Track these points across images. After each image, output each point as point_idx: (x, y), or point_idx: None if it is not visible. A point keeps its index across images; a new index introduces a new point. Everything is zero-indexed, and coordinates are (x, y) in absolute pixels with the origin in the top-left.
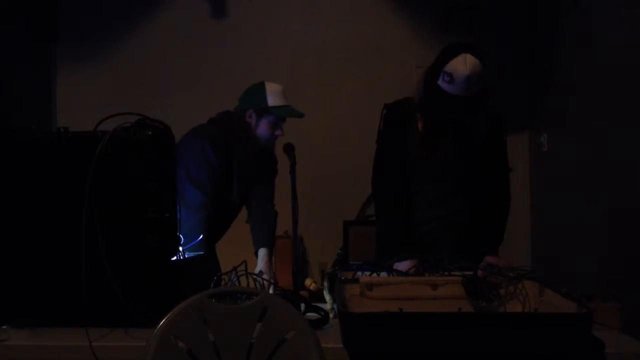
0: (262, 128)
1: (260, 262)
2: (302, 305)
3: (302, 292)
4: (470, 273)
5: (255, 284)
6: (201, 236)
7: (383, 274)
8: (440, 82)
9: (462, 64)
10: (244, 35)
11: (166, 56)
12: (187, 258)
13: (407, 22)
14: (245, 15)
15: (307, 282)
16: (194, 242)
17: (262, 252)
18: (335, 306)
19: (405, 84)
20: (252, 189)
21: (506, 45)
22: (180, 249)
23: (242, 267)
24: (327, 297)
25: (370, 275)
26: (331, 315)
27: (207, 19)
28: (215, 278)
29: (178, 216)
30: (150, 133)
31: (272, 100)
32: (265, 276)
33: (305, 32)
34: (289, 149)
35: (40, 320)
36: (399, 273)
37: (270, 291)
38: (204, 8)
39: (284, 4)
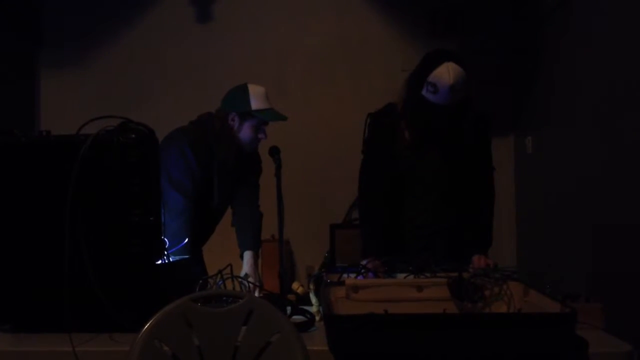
0: (245, 132)
1: (246, 265)
2: (288, 308)
3: (290, 296)
4: (456, 275)
5: (241, 287)
6: (186, 240)
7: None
8: (424, 92)
9: (446, 74)
10: (229, 39)
11: (151, 60)
12: (172, 262)
13: (393, 25)
14: (230, 19)
15: (294, 285)
16: (179, 246)
17: (248, 255)
18: (321, 309)
19: (391, 87)
20: (236, 191)
21: (490, 48)
22: (165, 253)
23: (228, 270)
24: (313, 299)
25: (355, 277)
26: (317, 318)
27: (193, 22)
28: (200, 282)
29: (162, 220)
30: (133, 136)
31: (255, 103)
32: (250, 279)
33: (291, 36)
34: (274, 151)
35: (23, 325)
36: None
37: (256, 294)
38: (190, 12)
39: (270, 7)
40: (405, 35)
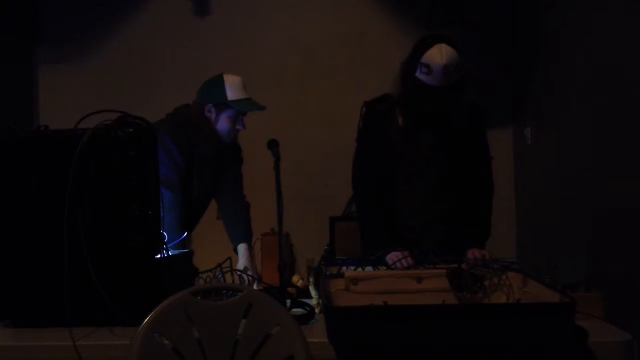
0: (223, 123)
1: (242, 258)
2: (288, 301)
3: (290, 289)
4: (455, 266)
5: (240, 281)
6: (185, 234)
7: (369, 269)
8: (418, 74)
9: (439, 54)
10: (227, 33)
11: (149, 54)
12: (172, 256)
13: (391, 18)
14: (228, 13)
15: (295, 279)
16: (177, 242)
17: (242, 247)
18: (321, 301)
19: (390, 80)
20: (219, 183)
21: (490, 39)
22: (165, 247)
23: (227, 263)
24: (313, 292)
25: (355, 270)
26: (317, 311)
27: (190, 16)
28: (200, 275)
29: (161, 214)
30: (131, 130)
31: (232, 94)
32: (249, 272)
33: (289, 30)
34: (273, 145)
35: (24, 320)
36: (388, 265)
37: (255, 287)
38: (187, 6)
39: (268, 1)
40: (404, 28)
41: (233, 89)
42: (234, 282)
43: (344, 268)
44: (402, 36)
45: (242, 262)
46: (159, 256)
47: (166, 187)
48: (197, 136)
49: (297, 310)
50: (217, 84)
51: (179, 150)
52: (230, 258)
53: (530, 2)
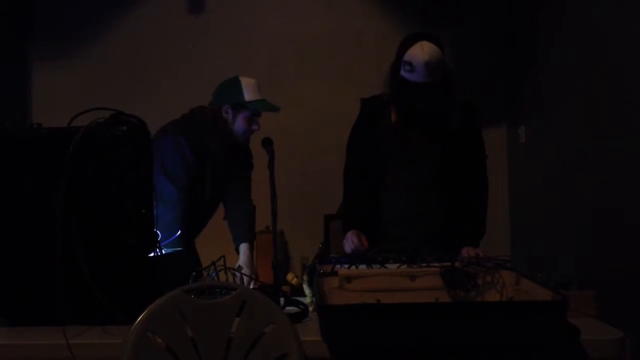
0: (239, 123)
1: (242, 256)
2: (282, 300)
3: (284, 287)
4: (449, 264)
5: (235, 279)
6: (179, 232)
7: (362, 267)
8: (402, 72)
9: (420, 51)
10: (222, 30)
11: (143, 52)
12: (166, 254)
13: (388, 16)
14: (223, 10)
15: (289, 276)
16: (172, 238)
17: (244, 247)
18: (314, 299)
19: (384, 79)
20: (228, 185)
21: (484, 37)
22: (158, 245)
23: (221, 262)
24: (307, 290)
25: (349, 267)
26: (311, 309)
27: (185, 14)
28: (194, 274)
29: (155, 212)
30: (125, 128)
31: (248, 94)
32: (245, 270)
33: (285, 27)
34: (267, 143)
35: (17, 319)
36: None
37: (250, 286)
38: (182, 3)
39: None
40: (400, 26)
41: (249, 90)
42: (227, 280)
43: (338, 266)
44: (398, 35)
45: (242, 260)
46: (152, 254)
47: (174, 183)
48: (212, 136)
49: (291, 308)
50: (234, 85)
51: (192, 150)
52: (224, 256)
53: (525, 2)
